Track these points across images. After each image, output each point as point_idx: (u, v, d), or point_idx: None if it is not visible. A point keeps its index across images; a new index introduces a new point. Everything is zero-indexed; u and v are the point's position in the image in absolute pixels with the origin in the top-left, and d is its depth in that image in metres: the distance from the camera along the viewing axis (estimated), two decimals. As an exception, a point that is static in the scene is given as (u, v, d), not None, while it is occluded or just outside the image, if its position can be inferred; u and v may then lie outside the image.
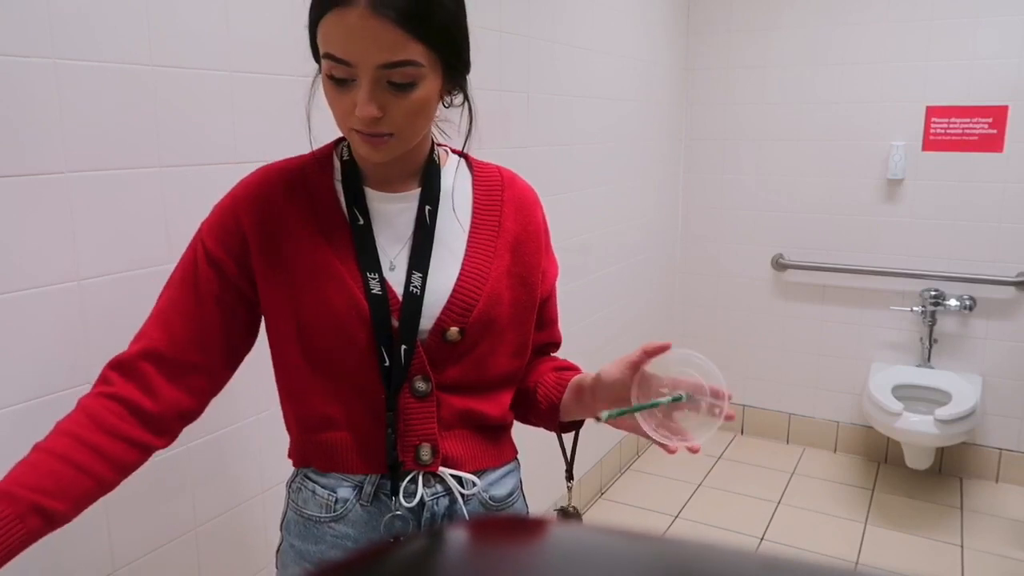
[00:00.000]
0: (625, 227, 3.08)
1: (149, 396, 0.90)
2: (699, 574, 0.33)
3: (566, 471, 1.14)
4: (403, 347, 0.93)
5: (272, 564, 1.37)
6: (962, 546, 2.70)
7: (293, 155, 1.02)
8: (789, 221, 3.40)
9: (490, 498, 1.05)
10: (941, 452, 3.17)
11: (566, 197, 2.55)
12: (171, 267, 1.30)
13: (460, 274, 0.97)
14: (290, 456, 1.07)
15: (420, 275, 0.95)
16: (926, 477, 3.18)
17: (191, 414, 0.96)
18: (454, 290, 0.96)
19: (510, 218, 1.02)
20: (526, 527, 0.48)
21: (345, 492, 0.99)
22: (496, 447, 1.06)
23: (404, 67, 0.83)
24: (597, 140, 2.76)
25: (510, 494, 1.08)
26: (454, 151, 1.06)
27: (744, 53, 3.38)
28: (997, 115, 2.95)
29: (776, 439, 3.57)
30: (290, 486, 1.06)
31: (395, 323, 0.94)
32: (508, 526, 0.48)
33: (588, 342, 2.84)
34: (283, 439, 1.53)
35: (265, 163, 1.02)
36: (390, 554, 0.40)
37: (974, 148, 3.01)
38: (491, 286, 0.97)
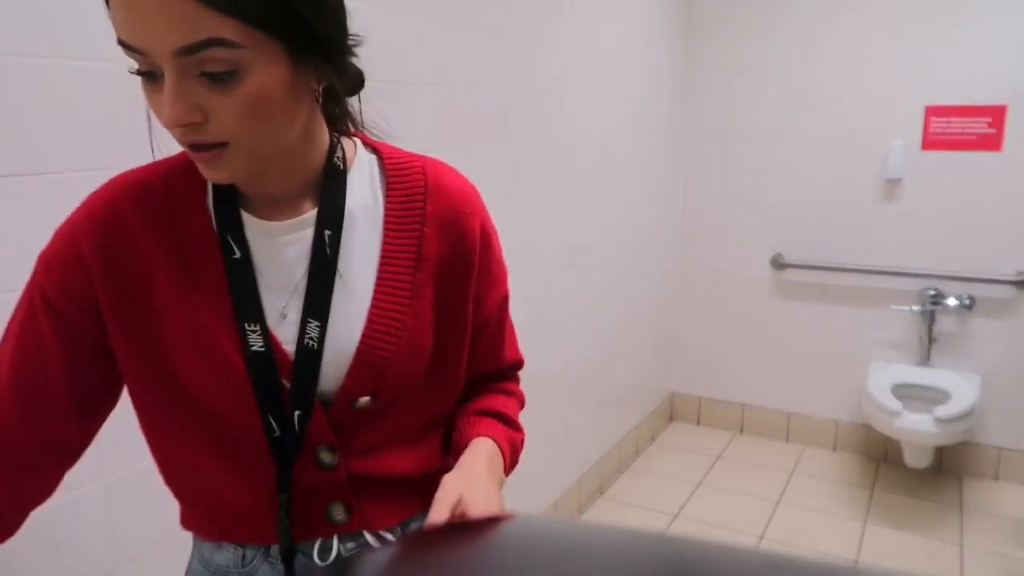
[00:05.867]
0: (624, 226, 3.08)
1: None
2: (699, 573, 0.34)
3: None
4: (296, 413, 0.76)
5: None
6: (961, 545, 2.70)
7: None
8: (788, 221, 3.40)
9: None
10: (940, 451, 3.17)
11: (565, 197, 2.55)
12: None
13: (367, 325, 0.77)
14: (180, 521, 0.88)
15: (317, 324, 0.75)
16: (925, 476, 3.19)
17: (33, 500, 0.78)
18: (359, 347, 0.77)
19: (434, 238, 0.80)
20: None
21: (252, 551, 0.83)
22: (425, 492, 0.81)
23: (210, 49, 0.61)
24: (597, 140, 2.76)
25: None
26: (367, 142, 0.84)
27: (744, 53, 3.38)
28: (996, 115, 2.95)
29: (775, 438, 3.57)
30: None
31: (287, 384, 0.75)
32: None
33: (587, 342, 2.84)
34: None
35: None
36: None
37: (973, 147, 3.01)
38: (409, 335, 0.79)
